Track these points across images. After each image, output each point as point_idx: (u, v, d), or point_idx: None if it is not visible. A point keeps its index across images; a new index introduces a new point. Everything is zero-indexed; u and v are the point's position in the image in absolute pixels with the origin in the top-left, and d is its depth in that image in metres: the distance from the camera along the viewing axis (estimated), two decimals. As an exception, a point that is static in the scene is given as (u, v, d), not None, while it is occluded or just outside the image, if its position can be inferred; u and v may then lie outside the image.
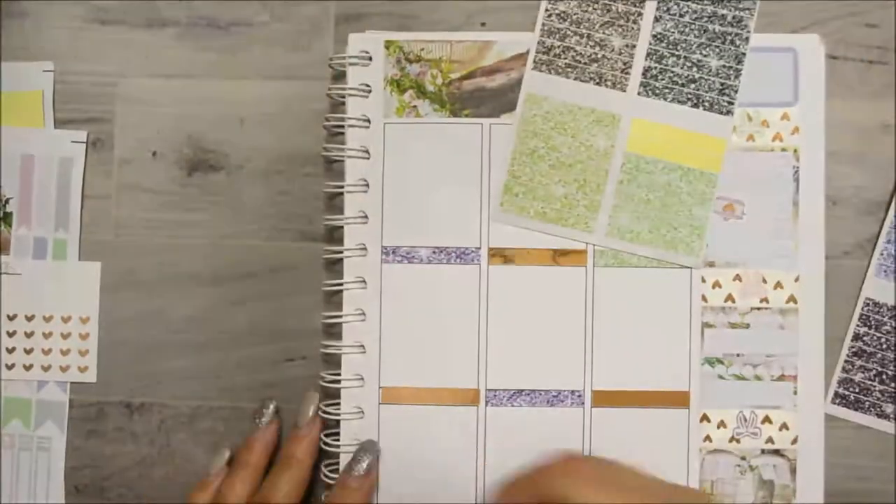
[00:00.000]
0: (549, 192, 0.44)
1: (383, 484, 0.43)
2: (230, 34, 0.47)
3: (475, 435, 0.44)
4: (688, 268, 0.44)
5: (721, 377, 0.44)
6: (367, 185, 0.44)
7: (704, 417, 0.44)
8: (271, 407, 0.44)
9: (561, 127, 0.44)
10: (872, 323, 0.45)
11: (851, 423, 0.45)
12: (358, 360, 0.44)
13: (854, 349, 0.45)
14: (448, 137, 0.44)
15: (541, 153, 0.44)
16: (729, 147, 0.44)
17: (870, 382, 0.45)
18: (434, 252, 0.44)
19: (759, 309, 0.44)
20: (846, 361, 0.45)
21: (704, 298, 0.44)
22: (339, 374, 0.44)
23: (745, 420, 0.43)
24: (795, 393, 0.44)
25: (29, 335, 0.47)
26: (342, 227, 0.44)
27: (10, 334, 0.47)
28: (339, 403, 0.44)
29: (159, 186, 0.47)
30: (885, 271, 0.45)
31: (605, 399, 0.44)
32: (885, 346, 0.45)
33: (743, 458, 0.44)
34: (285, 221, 0.46)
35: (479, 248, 0.44)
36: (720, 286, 0.44)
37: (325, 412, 0.44)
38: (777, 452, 0.43)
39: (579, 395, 0.43)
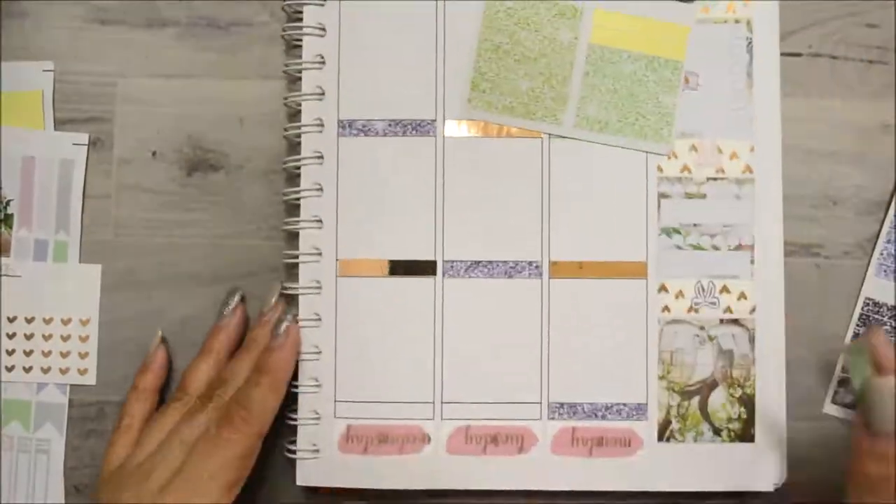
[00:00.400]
0: (516, 86, 0.44)
1: (341, 354, 0.44)
2: (230, 34, 0.47)
3: (433, 306, 0.44)
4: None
5: (678, 247, 0.44)
6: (324, 62, 0.44)
7: (662, 287, 0.44)
8: (237, 296, 0.45)
9: (524, 22, 0.44)
10: (872, 323, 0.45)
11: (850, 423, 0.45)
12: (315, 234, 0.44)
13: (854, 349, 0.45)
14: (403, 12, 0.45)
15: (506, 48, 0.44)
16: None
17: (870, 382, 0.45)
18: (390, 125, 0.44)
19: (715, 179, 0.44)
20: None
21: (660, 169, 0.44)
22: (297, 252, 0.44)
23: (704, 290, 0.44)
24: (752, 262, 0.44)
25: (29, 337, 0.47)
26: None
27: (10, 336, 0.46)
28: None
29: (159, 186, 0.47)
30: (885, 271, 0.45)
31: (562, 270, 0.44)
32: (885, 346, 0.45)
33: (702, 328, 0.44)
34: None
35: (435, 120, 0.44)
36: (676, 157, 0.44)
37: (284, 288, 0.44)
38: (736, 322, 0.44)
39: (537, 266, 0.44)
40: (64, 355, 0.46)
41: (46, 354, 0.46)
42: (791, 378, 0.44)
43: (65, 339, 0.46)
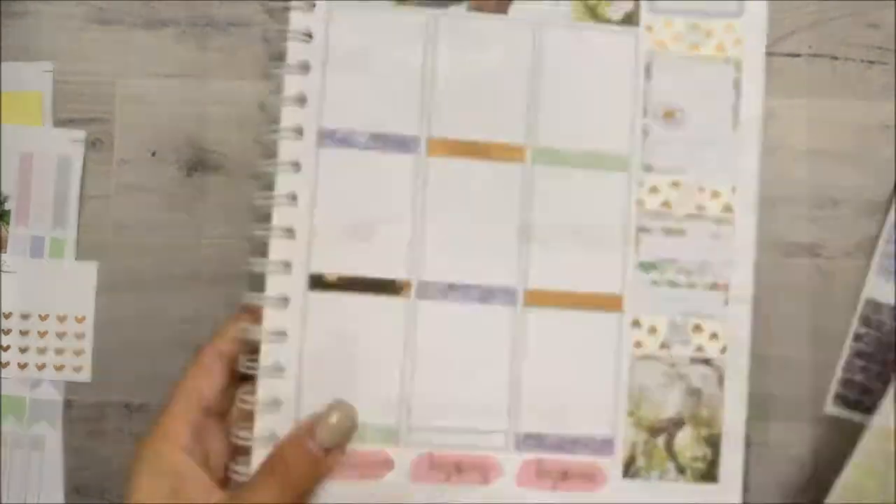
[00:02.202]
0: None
1: (306, 373, 0.41)
2: (230, 34, 0.47)
3: (403, 328, 0.42)
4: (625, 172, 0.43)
5: (655, 283, 0.43)
6: (309, 68, 0.42)
7: (636, 322, 0.43)
8: None
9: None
10: (873, 323, 0.45)
11: (852, 423, 0.45)
12: (286, 245, 0.42)
13: (854, 349, 0.45)
14: (392, 25, 0.43)
15: None
16: (671, 55, 0.43)
17: (870, 383, 0.45)
18: (371, 138, 0.43)
19: (694, 216, 0.43)
20: (847, 362, 0.45)
21: (641, 203, 0.43)
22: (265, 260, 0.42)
23: (677, 327, 0.43)
24: (726, 303, 0.43)
25: (24, 333, 0.47)
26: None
27: (6, 332, 0.47)
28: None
29: (159, 186, 0.47)
30: (885, 271, 0.45)
31: (537, 298, 0.42)
32: (885, 346, 0.45)
33: (672, 366, 0.43)
34: (284, 221, 0.46)
35: (418, 137, 0.43)
36: (658, 191, 0.43)
37: (248, 303, 0.41)
38: (706, 362, 0.43)
39: (512, 294, 0.42)
40: (59, 352, 0.46)
41: (41, 351, 0.47)
42: (792, 378, 0.44)
43: (60, 336, 0.46)
